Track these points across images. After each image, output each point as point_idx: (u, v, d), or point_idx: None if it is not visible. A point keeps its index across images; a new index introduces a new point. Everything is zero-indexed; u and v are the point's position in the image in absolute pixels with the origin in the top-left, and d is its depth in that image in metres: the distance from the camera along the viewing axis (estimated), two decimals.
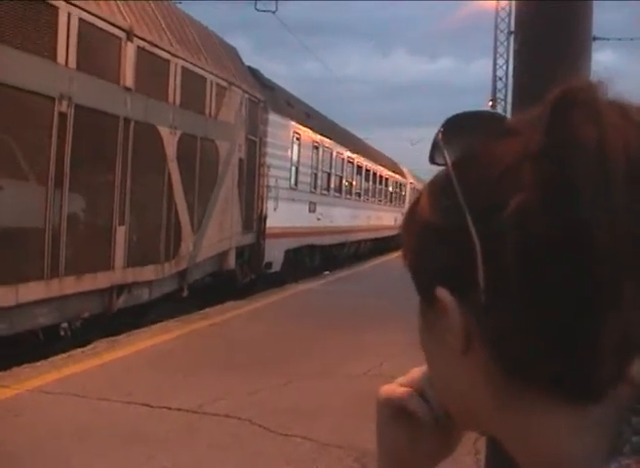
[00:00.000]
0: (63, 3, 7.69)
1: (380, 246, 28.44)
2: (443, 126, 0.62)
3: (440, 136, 0.61)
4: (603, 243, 0.50)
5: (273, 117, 15.45)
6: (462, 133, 0.60)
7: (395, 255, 22.14)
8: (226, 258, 12.90)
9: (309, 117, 19.30)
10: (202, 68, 11.45)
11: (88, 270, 8.43)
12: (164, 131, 10.14)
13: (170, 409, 5.70)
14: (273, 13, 19.65)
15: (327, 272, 18.50)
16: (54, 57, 7.66)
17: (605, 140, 0.52)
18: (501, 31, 28.84)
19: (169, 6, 11.62)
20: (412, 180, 39.06)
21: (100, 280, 8.73)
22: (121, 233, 9.13)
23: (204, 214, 11.71)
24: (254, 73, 15.57)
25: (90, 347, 7.90)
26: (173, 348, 8.12)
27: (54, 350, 7.27)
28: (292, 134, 17.15)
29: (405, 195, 36.72)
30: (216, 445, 5.00)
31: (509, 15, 27.34)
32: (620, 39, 28.64)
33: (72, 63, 7.94)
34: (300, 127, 17.76)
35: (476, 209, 0.54)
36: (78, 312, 8.48)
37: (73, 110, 7.90)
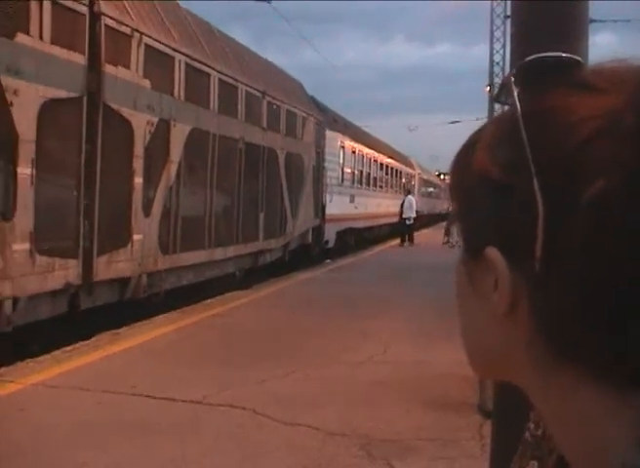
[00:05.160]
0: (241, 84, 13.30)
1: (395, 228, 33.87)
2: (517, 68, 0.57)
3: (512, 77, 0.56)
4: None
5: (328, 133, 21.01)
6: (537, 79, 0.55)
7: (395, 242, 26.42)
8: (306, 236, 18.54)
9: (347, 128, 24.88)
10: (296, 107, 17.07)
11: (248, 240, 14.02)
12: (278, 152, 15.74)
13: (174, 400, 5.68)
14: (269, 2, 19.05)
15: (328, 260, 19.72)
16: (236, 115, 13.25)
17: None
18: (498, 15, 28.41)
19: (276, 67, 17.23)
20: (419, 171, 44.68)
21: (253, 246, 14.34)
22: (261, 217, 14.74)
23: (297, 205, 17.33)
24: (313, 99, 21.10)
25: (93, 340, 8.00)
26: (176, 339, 8.14)
27: (56, 344, 7.66)
28: (339, 143, 22.76)
29: (414, 185, 42.27)
30: (221, 435, 4.98)
31: None
32: (615, 21, 28.85)
33: (243, 117, 13.54)
34: (343, 137, 23.35)
35: (546, 172, 0.50)
36: (242, 266, 14.11)
37: (244, 146, 13.48)
